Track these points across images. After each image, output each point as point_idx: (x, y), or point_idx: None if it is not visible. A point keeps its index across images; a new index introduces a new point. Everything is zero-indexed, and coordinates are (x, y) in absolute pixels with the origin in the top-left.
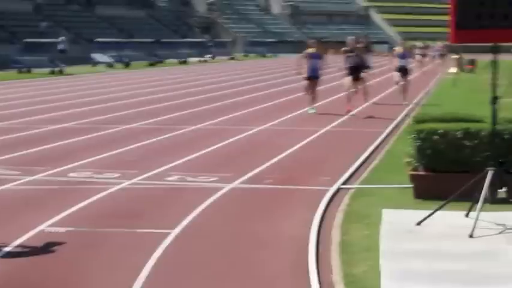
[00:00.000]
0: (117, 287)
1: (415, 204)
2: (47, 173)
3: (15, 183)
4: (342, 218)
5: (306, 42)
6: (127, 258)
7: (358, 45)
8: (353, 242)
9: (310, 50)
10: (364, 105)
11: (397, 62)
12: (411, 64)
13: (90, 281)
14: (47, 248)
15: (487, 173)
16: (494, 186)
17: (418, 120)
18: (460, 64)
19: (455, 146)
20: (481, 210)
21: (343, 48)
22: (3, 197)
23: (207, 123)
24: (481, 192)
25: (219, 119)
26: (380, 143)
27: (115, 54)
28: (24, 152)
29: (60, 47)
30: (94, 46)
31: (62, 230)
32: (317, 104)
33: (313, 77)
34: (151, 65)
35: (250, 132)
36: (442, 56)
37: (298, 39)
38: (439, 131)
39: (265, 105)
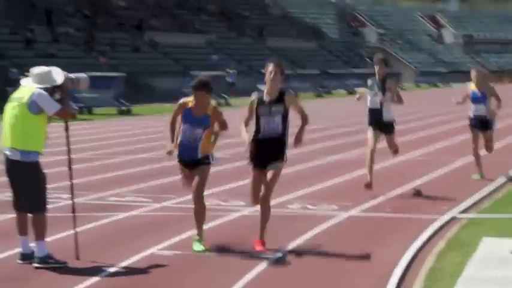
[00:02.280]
0: None
1: None
2: (176, 200)
3: (143, 209)
4: (443, 246)
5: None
6: (218, 280)
7: None
8: (442, 268)
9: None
10: None
11: None
12: None
13: None
14: (148, 269)
15: None
16: None
17: None
18: None
19: None
20: None
21: None
22: (128, 222)
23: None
24: None
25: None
26: None
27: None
28: (161, 181)
29: (228, 79)
30: (262, 77)
31: (169, 253)
32: None
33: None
34: (318, 96)
35: (387, 163)
36: None
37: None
38: None
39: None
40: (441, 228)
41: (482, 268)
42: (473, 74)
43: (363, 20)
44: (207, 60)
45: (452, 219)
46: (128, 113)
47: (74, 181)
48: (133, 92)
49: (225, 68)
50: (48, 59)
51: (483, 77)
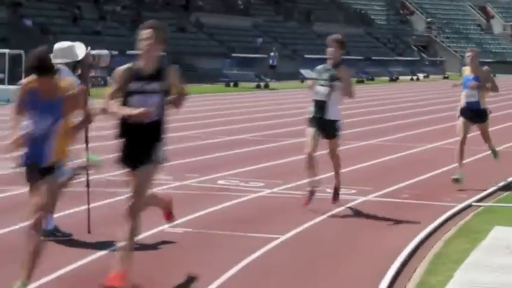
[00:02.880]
0: (198, 281)
1: None
2: (198, 179)
3: (163, 187)
4: (453, 232)
5: None
6: (223, 258)
7: None
8: (448, 254)
9: None
10: None
11: None
12: None
13: (174, 277)
14: (156, 246)
15: None
16: None
17: None
18: None
19: None
20: None
21: None
22: None
23: (385, 138)
24: None
25: (398, 135)
26: None
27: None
28: (187, 160)
29: (271, 62)
30: (305, 62)
31: (180, 230)
32: None
33: None
34: (360, 82)
35: (420, 149)
36: None
37: None
38: None
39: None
40: (455, 215)
41: (487, 255)
42: (467, 55)
43: (412, 7)
44: (251, 43)
45: (468, 207)
46: None
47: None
48: None
49: (269, 51)
50: (94, 37)
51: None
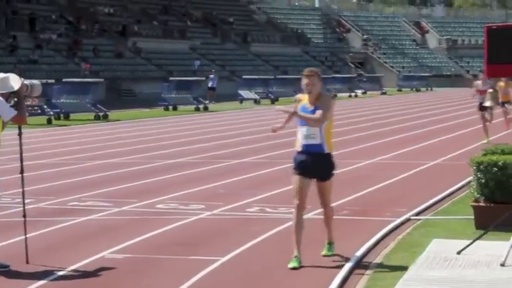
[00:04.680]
0: None
1: (474, 235)
2: (137, 204)
3: (102, 214)
4: (393, 246)
5: (463, 75)
6: (163, 282)
7: None
8: (388, 269)
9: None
10: None
11: None
12: None
13: None
14: (96, 272)
15: None
16: None
17: (487, 153)
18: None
19: None
20: None
21: None
22: (84, 226)
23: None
24: None
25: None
26: None
27: (261, 91)
28: (126, 185)
29: (210, 84)
30: (244, 83)
31: (120, 256)
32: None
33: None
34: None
35: (359, 165)
36: None
37: (455, 73)
38: (499, 163)
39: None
40: (394, 229)
41: (426, 269)
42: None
43: (348, 25)
44: (189, 66)
45: (407, 221)
46: (104, 118)
47: (40, 186)
48: (115, 98)
49: (207, 73)
50: (30, 65)
51: None
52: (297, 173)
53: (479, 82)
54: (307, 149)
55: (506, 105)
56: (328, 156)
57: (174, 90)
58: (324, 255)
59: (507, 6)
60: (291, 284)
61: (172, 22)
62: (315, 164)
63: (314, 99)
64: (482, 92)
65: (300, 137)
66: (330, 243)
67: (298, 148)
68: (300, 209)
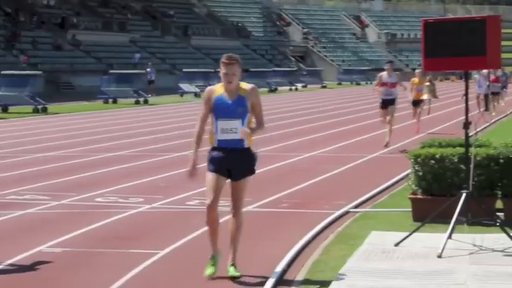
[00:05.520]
0: None
1: (411, 227)
2: (76, 198)
3: (40, 207)
4: (331, 239)
5: (402, 69)
6: (102, 276)
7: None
8: (326, 261)
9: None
10: None
11: None
12: None
13: None
14: (33, 266)
15: (461, 196)
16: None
17: (425, 146)
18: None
19: (451, 170)
20: (462, 231)
21: None
22: (22, 220)
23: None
24: (461, 214)
25: (275, 146)
26: None
27: (201, 84)
28: (64, 179)
29: (149, 77)
30: (184, 76)
31: (59, 250)
32: None
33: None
34: None
35: (298, 158)
36: None
37: (394, 66)
38: (436, 156)
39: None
40: (333, 222)
41: (364, 261)
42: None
43: (288, 19)
44: (129, 59)
45: (346, 214)
46: (43, 111)
47: None
48: (53, 90)
49: (146, 67)
50: None
51: None
52: (212, 171)
53: (383, 73)
54: (225, 145)
55: (420, 104)
56: (248, 150)
57: (114, 83)
58: (232, 277)
59: (445, 1)
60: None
61: (112, 15)
62: (233, 161)
63: (234, 90)
64: (384, 84)
65: (217, 131)
66: (234, 265)
67: (214, 143)
68: (212, 210)
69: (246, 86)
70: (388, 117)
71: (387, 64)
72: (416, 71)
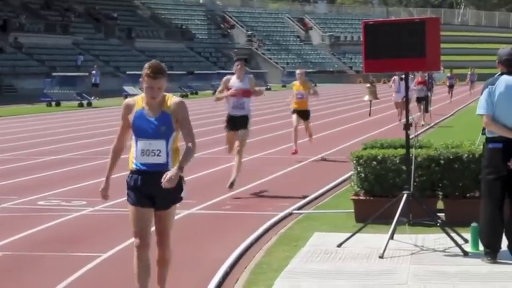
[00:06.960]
0: None
1: (354, 228)
2: (17, 201)
3: None
4: (274, 240)
5: (346, 72)
6: (44, 279)
7: None
8: (269, 262)
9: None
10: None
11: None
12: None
13: None
14: None
15: (402, 197)
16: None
17: (367, 147)
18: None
19: (393, 171)
20: (404, 232)
21: None
22: None
23: (207, 151)
24: (402, 214)
25: (218, 148)
26: None
27: None
28: (6, 182)
29: (93, 80)
30: (128, 78)
31: None
32: None
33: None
34: (184, 96)
35: (243, 159)
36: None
37: (338, 69)
38: (378, 157)
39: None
40: (276, 224)
41: (306, 262)
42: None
43: (232, 21)
44: (72, 62)
45: (289, 215)
46: None
47: None
48: None
49: (91, 69)
50: None
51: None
52: (133, 204)
53: (231, 77)
54: (146, 168)
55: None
56: None
57: (57, 86)
58: None
59: (388, 4)
60: (173, 279)
61: (54, 17)
62: (156, 187)
63: (157, 105)
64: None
65: (137, 152)
66: None
67: (133, 166)
68: (142, 247)
69: (171, 100)
70: (236, 144)
71: (237, 62)
72: (297, 71)
